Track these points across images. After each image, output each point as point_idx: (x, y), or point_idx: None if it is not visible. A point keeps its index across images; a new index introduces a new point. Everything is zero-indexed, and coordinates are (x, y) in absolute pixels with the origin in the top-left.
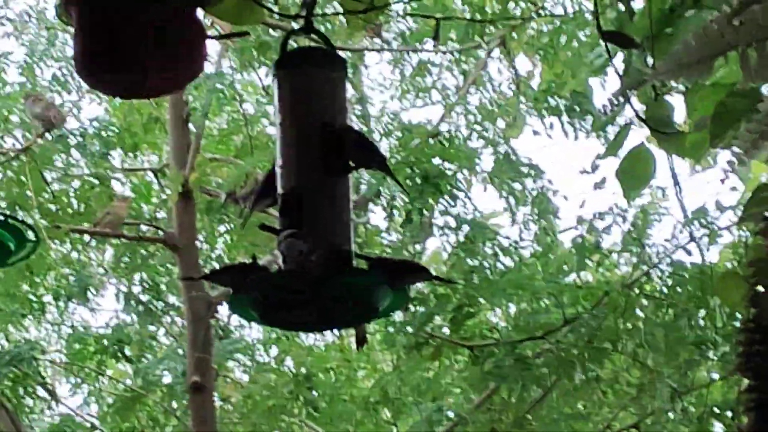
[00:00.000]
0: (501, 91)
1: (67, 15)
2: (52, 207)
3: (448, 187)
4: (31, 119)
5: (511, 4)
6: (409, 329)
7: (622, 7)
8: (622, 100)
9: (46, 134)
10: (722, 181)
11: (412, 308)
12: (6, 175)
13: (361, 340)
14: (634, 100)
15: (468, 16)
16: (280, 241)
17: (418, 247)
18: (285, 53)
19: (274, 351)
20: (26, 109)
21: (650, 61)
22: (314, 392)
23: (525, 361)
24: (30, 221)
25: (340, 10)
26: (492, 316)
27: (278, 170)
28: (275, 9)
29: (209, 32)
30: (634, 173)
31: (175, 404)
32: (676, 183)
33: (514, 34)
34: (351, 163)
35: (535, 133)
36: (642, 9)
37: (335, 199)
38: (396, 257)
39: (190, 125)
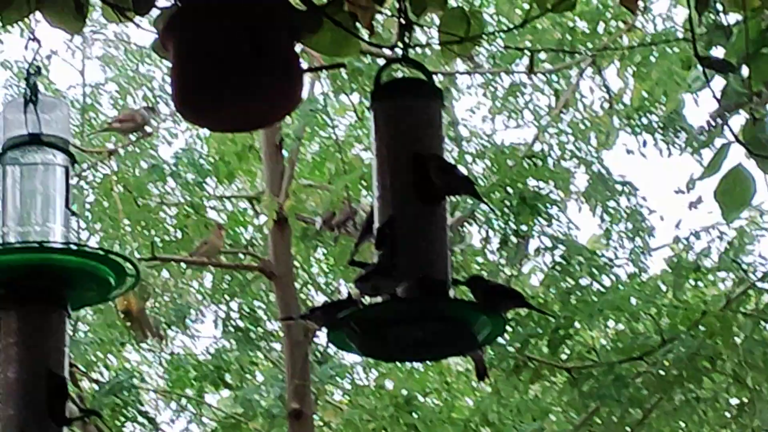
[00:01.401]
0: (593, 110)
1: (164, 49)
2: (150, 234)
3: (544, 208)
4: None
5: (602, 24)
6: (509, 349)
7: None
8: (720, 121)
9: (131, 135)
10: None
11: (509, 329)
12: (99, 198)
13: (481, 373)
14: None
15: (558, 34)
16: (363, 280)
17: (513, 270)
18: (381, 84)
19: (373, 374)
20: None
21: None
22: (414, 415)
23: (623, 380)
24: (127, 252)
25: (434, 36)
26: (590, 337)
27: (375, 202)
28: (370, 40)
29: (305, 63)
30: (733, 195)
31: (274, 431)
32: None
33: (605, 53)
34: (442, 191)
35: (629, 151)
36: (739, 28)
37: (430, 228)
38: (492, 281)
39: (284, 152)
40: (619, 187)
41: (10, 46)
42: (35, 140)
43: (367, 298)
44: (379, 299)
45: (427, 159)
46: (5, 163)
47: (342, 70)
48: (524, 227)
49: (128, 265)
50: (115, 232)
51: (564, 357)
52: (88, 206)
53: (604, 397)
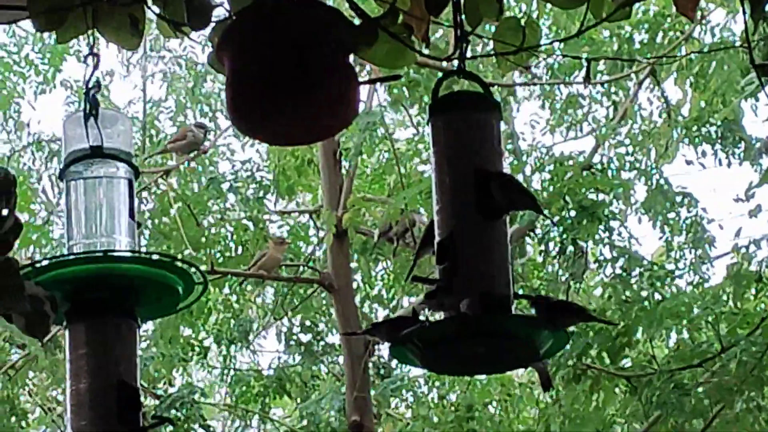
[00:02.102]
0: (652, 120)
1: (219, 63)
2: (208, 251)
3: (604, 219)
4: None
5: (659, 34)
6: (569, 363)
7: None
8: None
9: (186, 153)
10: None
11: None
12: (158, 216)
13: (546, 383)
14: None
15: (616, 46)
16: (431, 297)
17: (575, 283)
18: (439, 97)
19: (435, 386)
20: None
21: None
22: (476, 425)
23: (684, 388)
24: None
25: (490, 47)
26: (650, 346)
27: (435, 216)
28: (427, 51)
29: (361, 76)
30: None
31: None
32: None
33: (663, 64)
34: (503, 205)
35: (688, 162)
36: None
37: (491, 243)
38: (555, 298)
39: (343, 165)
40: (678, 198)
41: (71, 67)
42: (97, 153)
43: (430, 313)
44: (441, 315)
45: (488, 174)
46: (68, 178)
47: (399, 83)
48: (584, 239)
49: (196, 273)
50: (175, 249)
51: (624, 366)
52: (148, 224)
53: (664, 406)
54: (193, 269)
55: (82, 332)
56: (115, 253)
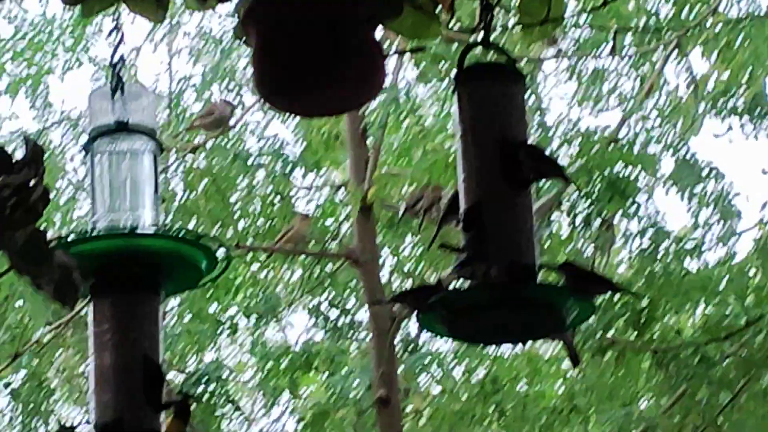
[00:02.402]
0: (678, 95)
1: (245, 35)
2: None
3: (630, 191)
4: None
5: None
6: (595, 336)
7: None
8: None
9: (213, 130)
10: None
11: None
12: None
13: (574, 359)
14: None
15: (643, 20)
16: (464, 265)
17: (602, 256)
18: (464, 68)
19: (464, 362)
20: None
21: None
22: (501, 400)
23: (710, 362)
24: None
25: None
26: (675, 320)
27: (460, 185)
28: (452, 23)
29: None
30: None
31: (363, 419)
32: None
33: (689, 36)
34: (530, 175)
35: (716, 135)
36: None
37: (517, 212)
38: (582, 266)
39: (369, 140)
40: (705, 172)
41: (97, 44)
42: (122, 128)
43: (454, 282)
44: (467, 284)
45: (514, 144)
46: (93, 152)
47: (425, 55)
48: (610, 212)
49: (219, 249)
50: (203, 226)
51: (651, 339)
52: (174, 201)
53: (691, 380)
54: (218, 246)
55: (106, 308)
56: (140, 229)
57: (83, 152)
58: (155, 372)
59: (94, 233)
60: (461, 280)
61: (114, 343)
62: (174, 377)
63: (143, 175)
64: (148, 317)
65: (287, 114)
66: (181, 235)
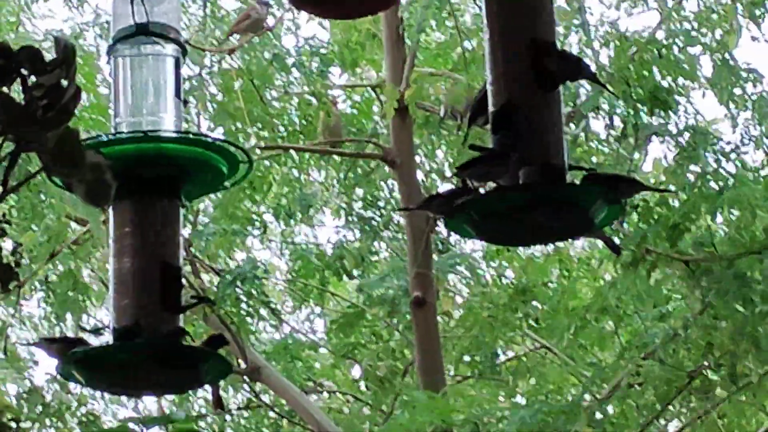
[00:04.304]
0: None
1: None
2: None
3: (667, 96)
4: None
5: None
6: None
7: None
8: None
9: (251, 33)
10: None
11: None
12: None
13: (614, 248)
14: None
15: None
16: (465, 168)
17: (636, 155)
18: None
19: (493, 264)
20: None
21: None
22: (532, 304)
23: (743, 278)
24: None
25: None
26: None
27: (489, 87)
28: None
29: None
30: None
31: (396, 320)
32: None
33: None
34: (558, 77)
35: (754, 38)
36: None
37: (546, 113)
38: (608, 173)
39: (406, 41)
40: (744, 75)
41: None
42: (143, 31)
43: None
44: (494, 185)
45: (543, 45)
46: (115, 55)
47: None
48: (649, 114)
49: (241, 153)
50: (238, 125)
51: (682, 248)
52: (211, 104)
53: (724, 294)
54: (239, 151)
55: (127, 211)
56: (161, 133)
57: (107, 55)
58: (174, 276)
59: (116, 137)
60: (489, 181)
61: (133, 247)
62: (208, 277)
63: (165, 79)
64: (168, 221)
65: (318, 16)
66: (202, 139)
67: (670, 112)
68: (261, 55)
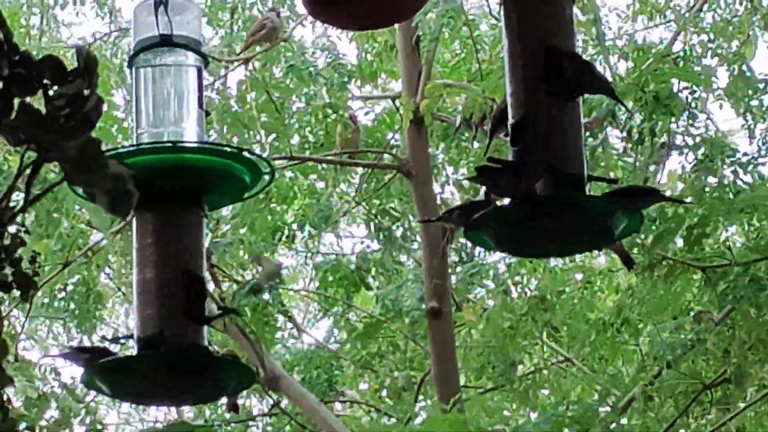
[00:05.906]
0: (734, 8)
1: None
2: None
3: (683, 106)
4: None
5: None
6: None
7: None
8: None
9: (266, 42)
10: None
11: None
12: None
13: (628, 262)
14: None
15: None
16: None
17: (652, 168)
18: None
19: (517, 273)
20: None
21: None
22: (552, 313)
23: (759, 282)
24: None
25: None
26: (726, 235)
27: (508, 98)
28: None
29: None
30: None
31: (415, 328)
32: None
33: None
34: (577, 89)
35: None
36: None
37: (565, 125)
38: (628, 186)
39: (422, 51)
40: (761, 86)
41: None
42: (166, 42)
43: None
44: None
45: (561, 55)
46: (138, 66)
47: None
48: (665, 128)
49: (263, 163)
50: (252, 136)
51: (700, 256)
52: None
53: (741, 299)
54: (261, 161)
55: (150, 222)
56: (184, 144)
57: (128, 66)
58: (198, 286)
59: (139, 147)
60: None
61: (156, 257)
62: (228, 286)
63: (187, 89)
64: (190, 231)
65: (334, 27)
66: (225, 149)
67: (688, 126)
68: (277, 66)
